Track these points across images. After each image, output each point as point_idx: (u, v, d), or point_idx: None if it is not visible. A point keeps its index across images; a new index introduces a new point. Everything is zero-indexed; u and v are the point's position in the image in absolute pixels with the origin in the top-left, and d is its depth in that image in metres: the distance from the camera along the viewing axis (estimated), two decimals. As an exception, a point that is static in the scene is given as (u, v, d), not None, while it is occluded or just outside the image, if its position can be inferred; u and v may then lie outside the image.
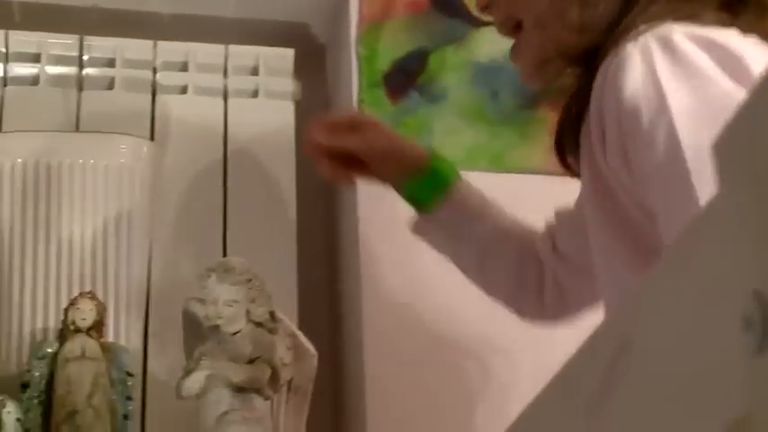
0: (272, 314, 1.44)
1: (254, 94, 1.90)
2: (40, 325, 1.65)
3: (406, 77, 1.80)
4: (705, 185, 0.91)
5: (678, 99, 0.96)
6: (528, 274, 1.33)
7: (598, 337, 0.46)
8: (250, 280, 1.42)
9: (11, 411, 1.41)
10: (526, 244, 1.34)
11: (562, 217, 1.32)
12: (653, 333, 0.46)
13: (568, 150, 1.12)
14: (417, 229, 1.37)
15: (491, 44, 1.78)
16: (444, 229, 1.34)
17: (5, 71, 1.84)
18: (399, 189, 1.34)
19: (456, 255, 1.37)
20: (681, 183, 0.93)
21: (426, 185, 1.32)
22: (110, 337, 1.62)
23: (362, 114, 1.40)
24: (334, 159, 1.32)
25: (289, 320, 1.52)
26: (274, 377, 1.42)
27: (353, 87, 1.81)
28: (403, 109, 1.78)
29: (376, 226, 1.71)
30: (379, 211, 1.67)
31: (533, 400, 0.53)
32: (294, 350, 1.49)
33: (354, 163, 1.33)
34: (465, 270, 1.37)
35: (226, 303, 1.41)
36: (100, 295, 1.62)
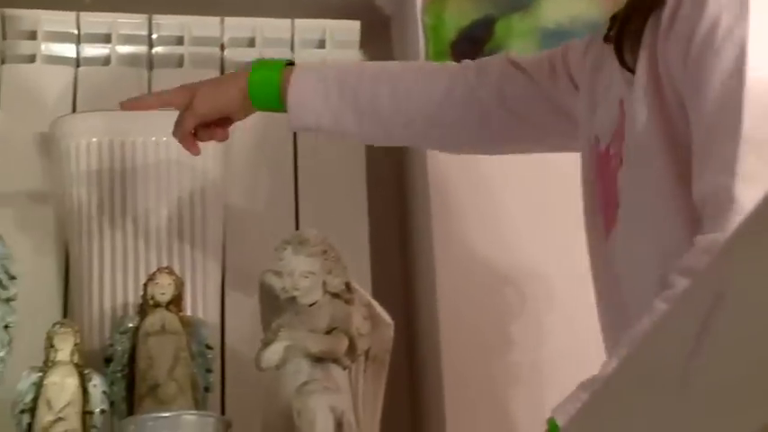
0: (347, 285, 1.45)
1: (322, 66, 1.91)
2: (120, 301, 1.68)
3: (472, 45, 1.80)
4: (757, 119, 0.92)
5: (758, 20, 0.95)
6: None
7: (691, 293, 0.46)
8: (325, 251, 1.43)
9: (97, 384, 1.44)
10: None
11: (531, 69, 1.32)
12: (746, 287, 0.46)
13: (627, 48, 1.09)
14: (294, 125, 1.41)
15: (557, 9, 1.77)
16: (310, 106, 1.37)
17: (78, 52, 1.87)
18: (254, 109, 1.41)
19: (341, 117, 1.38)
20: (732, 106, 0.93)
21: (261, 91, 1.38)
22: (188, 311, 1.65)
23: (168, 95, 1.45)
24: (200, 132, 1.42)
25: (364, 291, 1.53)
26: (352, 347, 1.44)
27: (420, 57, 1.81)
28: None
29: (448, 193, 1.71)
30: (450, 177, 1.68)
31: (625, 355, 0.53)
32: (370, 320, 1.50)
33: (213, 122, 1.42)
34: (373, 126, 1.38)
35: (302, 275, 1.42)
36: (177, 270, 1.65)
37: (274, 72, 1.39)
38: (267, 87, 1.39)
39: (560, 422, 0.89)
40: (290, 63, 1.41)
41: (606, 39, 1.16)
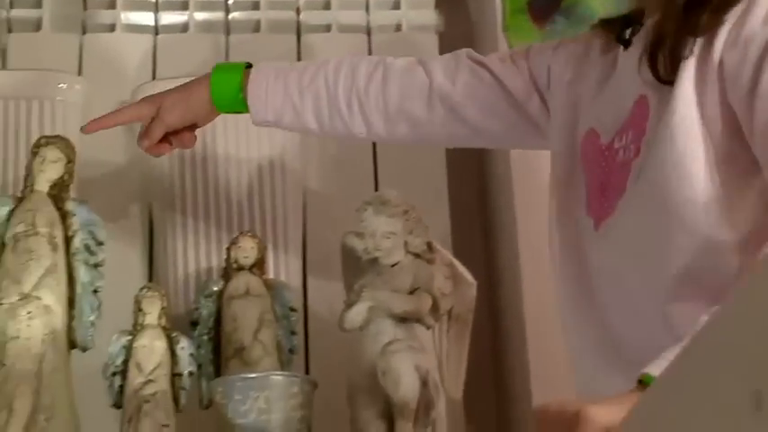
0: (429, 245, 1.45)
1: (398, 28, 1.91)
2: (203, 265, 1.70)
3: (550, 1, 1.78)
4: None
5: None
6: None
7: None
8: (406, 211, 1.43)
9: (184, 347, 1.46)
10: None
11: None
12: None
13: (661, 57, 1.11)
14: (256, 120, 1.43)
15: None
16: (270, 101, 1.40)
17: (156, 20, 1.89)
18: (219, 112, 1.44)
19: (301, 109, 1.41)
20: None
21: (223, 93, 1.42)
22: (270, 275, 1.67)
23: (133, 109, 1.47)
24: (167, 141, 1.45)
25: (445, 251, 1.53)
26: (435, 307, 1.44)
27: (497, 15, 1.79)
28: (549, 33, 1.76)
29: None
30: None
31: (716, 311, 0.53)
32: (452, 279, 1.50)
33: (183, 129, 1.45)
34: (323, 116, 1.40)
35: (384, 236, 1.43)
36: (258, 234, 1.67)
37: (234, 74, 1.43)
38: (228, 89, 1.42)
39: (654, 373, 0.89)
40: (249, 66, 1.43)
41: (620, 41, 1.18)
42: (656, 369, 0.89)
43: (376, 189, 1.77)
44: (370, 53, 1.89)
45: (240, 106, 1.42)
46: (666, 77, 1.10)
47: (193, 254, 1.73)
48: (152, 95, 1.46)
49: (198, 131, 1.68)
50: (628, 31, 1.19)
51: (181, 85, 1.47)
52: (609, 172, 1.16)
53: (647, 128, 1.13)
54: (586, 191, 1.19)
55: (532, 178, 1.69)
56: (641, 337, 1.08)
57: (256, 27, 1.90)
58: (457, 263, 1.52)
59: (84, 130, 1.44)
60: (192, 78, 1.45)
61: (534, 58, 1.33)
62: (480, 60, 1.36)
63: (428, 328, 1.44)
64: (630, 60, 1.16)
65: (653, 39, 1.13)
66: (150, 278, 1.76)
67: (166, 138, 1.45)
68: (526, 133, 1.34)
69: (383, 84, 1.39)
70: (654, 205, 1.11)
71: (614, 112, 1.17)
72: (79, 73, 1.84)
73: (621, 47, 1.18)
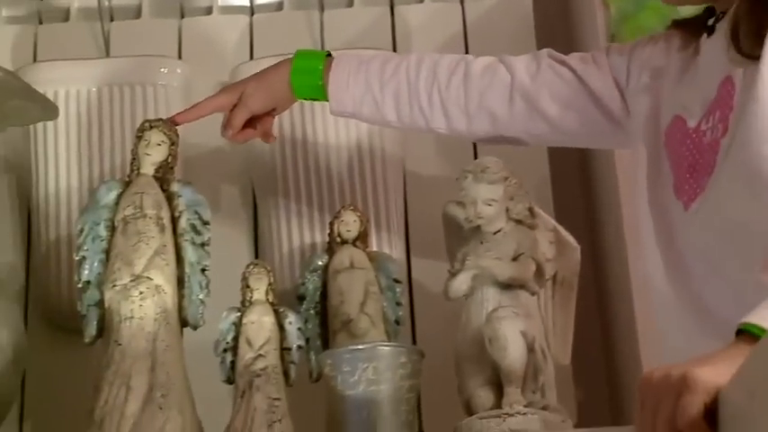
0: (530, 210, 1.45)
1: (493, -5, 1.90)
2: (308, 241, 1.73)
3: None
4: None
5: None
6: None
7: None
8: (506, 178, 1.43)
9: (292, 321, 1.48)
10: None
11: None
12: None
13: (743, 36, 1.15)
14: (335, 109, 1.48)
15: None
16: (350, 92, 1.45)
17: (251, 0, 1.92)
18: (297, 98, 1.51)
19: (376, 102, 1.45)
20: None
21: (304, 80, 1.47)
22: (373, 247, 1.68)
23: (217, 99, 1.53)
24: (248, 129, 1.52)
25: (547, 216, 1.53)
26: (539, 272, 1.44)
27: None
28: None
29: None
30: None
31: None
32: (556, 244, 1.50)
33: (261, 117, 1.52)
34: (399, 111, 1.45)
35: (485, 203, 1.43)
36: (360, 208, 1.68)
37: (316, 61, 1.47)
38: (309, 77, 1.47)
39: (759, 323, 0.88)
40: (329, 54, 1.49)
41: (704, 29, 1.23)
42: (758, 318, 0.88)
43: (475, 157, 1.77)
44: (464, 21, 1.89)
45: (319, 94, 1.47)
46: (752, 53, 1.13)
47: (297, 230, 1.75)
48: (232, 84, 1.51)
49: (297, 107, 1.71)
50: (711, 20, 1.23)
51: (261, 72, 1.51)
52: (697, 153, 1.19)
53: (735, 105, 1.15)
54: (673, 176, 1.22)
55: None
56: (735, 309, 1.08)
57: (349, 2, 1.92)
58: (560, 227, 1.51)
59: (176, 119, 1.49)
60: (274, 63, 1.49)
61: (614, 59, 1.37)
62: (561, 59, 1.41)
63: (533, 294, 1.44)
64: (715, 44, 1.19)
65: (736, 17, 1.16)
66: (256, 256, 1.79)
67: (249, 124, 1.49)
68: (605, 131, 1.39)
69: (465, 79, 1.42)
70: (744, 178, 1.12)
71: (700, 96, 1.21)
72: (179, 57, 1.88)
73: (704, 36, 1.22)
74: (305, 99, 1.52)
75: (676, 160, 1.23)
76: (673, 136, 1.25)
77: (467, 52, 1.85)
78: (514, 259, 1.43)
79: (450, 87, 1.43)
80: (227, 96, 1.51)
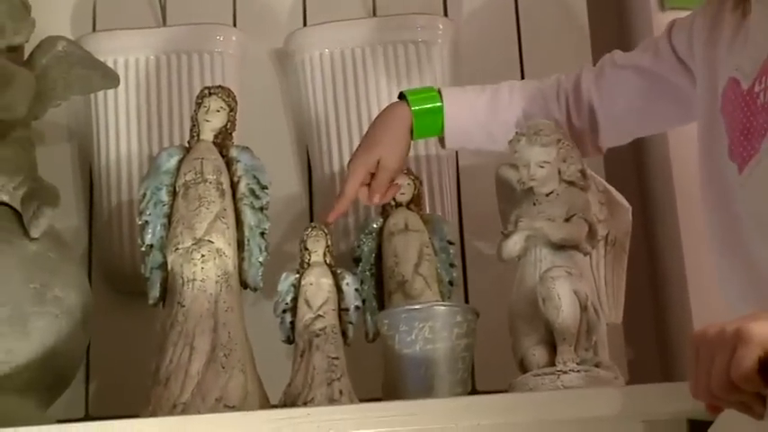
0: (582, 172, 1.46)
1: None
2: (362, 204, 1.75)
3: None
4: None
5: None
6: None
7: None
8: (559, 140, 1.45)
9: (349, 283, 1.51)
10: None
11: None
12: None
13: None
14: (448, 146, 1.56)
15: None
16: (461, 131, 1.53)
17: (304, -34, 1.94)
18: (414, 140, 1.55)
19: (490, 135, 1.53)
20: None
21: (427, 124, 1.53)
22: (426, 210, 1.70)
23: (355, 180, 1.53)
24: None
25: (599, 177, 1.54)
26: (591, 233, 1.45)
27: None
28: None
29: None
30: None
31: None
32: (608, 205, 1.51)
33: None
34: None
35: (538, 165, 1.44)
36: (413, 171, 1.70)
37: (434, 100, 1.52)
38: (433, 119, 1.52)
39: None
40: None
41: None
42: None
43: (526, 121, 1.78)
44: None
45: (437, 133, 1.55)
46: None
47: (352, 194, 1.77)
48: (360, 154, 1.53)
49: (350, 71, 1.74)
50: None
51: (384, 129, 1.54)
52: (751, 115, 1.18)
53: None
54: (728, 139, 1.21)
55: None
56: None
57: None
58: (611, 188, 1.53)
59: (328, 220, 1.54)
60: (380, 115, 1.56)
61: (677, 36, 1.39)
62: (623, 64, 1.48)
63: (585, 254, 1.45)
64: (765, 2, 1.19)
65: None
66: (311, 220, 1.82)
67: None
68: (679, 113, 1.44)
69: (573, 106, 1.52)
70: None
71: (753, 58, 1.20)
72: (234, 24, 1.90)
73: None
74: (419, 139, 1.57)
75: (731, 123, 1.23)
76: (728, 98, 1.24)
77: (517, 15, 1.87)
78: (567, 220, 1.44)
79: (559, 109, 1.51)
80: (363, 170, 1.52)
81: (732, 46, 1.26)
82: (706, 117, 1.29)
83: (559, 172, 1.45)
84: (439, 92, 1.54)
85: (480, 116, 1.52)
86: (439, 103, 1.52)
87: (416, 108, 1.52)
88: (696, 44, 1.34)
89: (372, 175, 1.52)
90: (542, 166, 1.44)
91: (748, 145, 1.18)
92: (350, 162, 1.54)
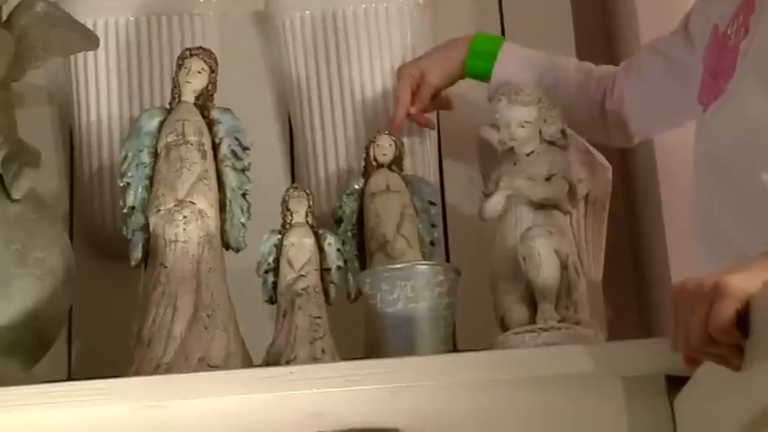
0: (563, 132, 1.47)
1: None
2: (344, 165, 1.76)
3: None
4: None
5: None
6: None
7: None
8: (540, 100, 1.45)
9: (331, 243, 1.52)
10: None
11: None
12: None
13: None
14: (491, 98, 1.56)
15: None
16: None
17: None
18: (464, 76, 1.64)
19: None
20: None
21: (478, 63, 1.61)
22: (408, 171, 1.71)
23: (404, 93, 1.65)
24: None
25: (579, 137, 1.55)
26: (571, 192, 1.46)
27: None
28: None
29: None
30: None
31: None
32: (588, 165, 1.52)
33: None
34: None
35: (518, 125, 1.45)
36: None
37: (495, 47, 1.61)
38: (485, 62, 1.61)
39: None
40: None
41: None
42: None
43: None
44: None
45: (487, 77, 1.62)
46: None
47: (333, 154, 1.78)
48: (408, 64, 1.65)
49: (330, 30, 1.75)
50: None
51: (439, 48, 1.65)
52: (721, 57, 1.19)
53: (756, 5, 1.14)
54: (699, 83, 1.22)
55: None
56: (736, 220, 1.10)
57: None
58: (591, 148, 1.54)
59: (396, 130, 1.63)
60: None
61: (693, 18, 1.41)
62: (652, 47, 1.52)
63: (566, 213, 1.46)
64: None
65: None
66: (292, 180, 1.83)
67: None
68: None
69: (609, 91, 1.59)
70: (760, 81, 1.12)
71: (729, 3, 1.19)
72: (212, -15, 1.89)
73: None
74: (472, 77, 1.64)
75: (705, 67, 1.24)
76: (708, 45, 1.25)
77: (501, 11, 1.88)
78: (547, 179, 1.45)
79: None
80: (408, 77, 1.62)
81: None
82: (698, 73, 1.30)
83: (540, 132, 1.46)
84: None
85: (535, 64, 1.60)
86: (497, 50, 1.60)
87: (474, 47, 1.61)
88: (701, 18, 1.35)
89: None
90: (523, 126, 1.45)
91: (715, 86, 1.19)
92: (398, 69, 1.65)
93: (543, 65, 1.60)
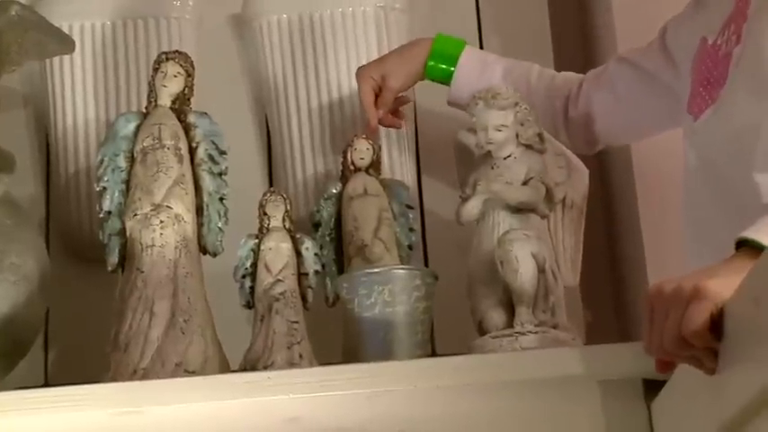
0: (540, 135, 1.47)
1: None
2: (321, 169, 1.76)
3: None
4: None
5: None
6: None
7: None
8: (517, 103, 1.45)
9: (309, 247, 1.51)
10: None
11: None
12: None
13: None
14: (451, 100, 1.63)
15: None
16: (469, 87, 1.56)
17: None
18: (424, 77, 1.63)
19: None
20: None
21: (439, 65, 1.61)
22: (386, 175, 1.71)
23: (368, 95, 1.65)
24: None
25: (557, 141, 1.55)
26: (549, 196, 1.46)
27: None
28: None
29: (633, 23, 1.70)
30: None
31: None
32: (565, 169, 1.52)
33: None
34: None
35: (495, 128, 1.45)
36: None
37: (456, 50, 1.60)
38: (446, 63, 1.61)
39: (756, 238, 0.91)
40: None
41: None
42: (755, 233, 0.91)
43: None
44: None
45: (447, 80, 1.62)
46: None
47: (310, 158, 1.78)
48: (370, 66, 1.64)
49: (308, 32, 1.75)
50: None
51: (399, 50, 1.65)
52: (713, 67, 1.20)
53: (749, 14, 1.15)
54: (689, 93, 1.22)
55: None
56: (726, 220, 1.11)
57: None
58: (569, 152, 1.54)
59: (372, 132, 1.64)
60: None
61: (671, 33, 1.43)
62: (623, 58, 1.53)
63: (543, 217, 1.47)
64: None
65: None
66: (270, 185, 1.82)
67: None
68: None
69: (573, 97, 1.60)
70: (754, 83, 1.13)
71: (719, 13, 1.23)
72: (191, -11, 1.89)
73: None
74: (431, 79, 1.64)
75: (695, 78, 1.25)
76: (696, 58, 1.26)
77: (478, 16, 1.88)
78: (525, 183, 1.45)
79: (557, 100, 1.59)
80: (371, 79, 1.62)
81: (705, 7, 1.29)
82: (684, 85, 1.31)
83: (517, 135, 1.46)
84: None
85: (497, 69, 1.61)
86: (458, 53, 1.60)
87: (435, 49, 1.61)
88: (683, 26, 1.37)
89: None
90: (500, 130, 1.45)
91: (707, 95, 1.20)
92: (358, 70, 1.64)
93: (504, 69, 1.60)
